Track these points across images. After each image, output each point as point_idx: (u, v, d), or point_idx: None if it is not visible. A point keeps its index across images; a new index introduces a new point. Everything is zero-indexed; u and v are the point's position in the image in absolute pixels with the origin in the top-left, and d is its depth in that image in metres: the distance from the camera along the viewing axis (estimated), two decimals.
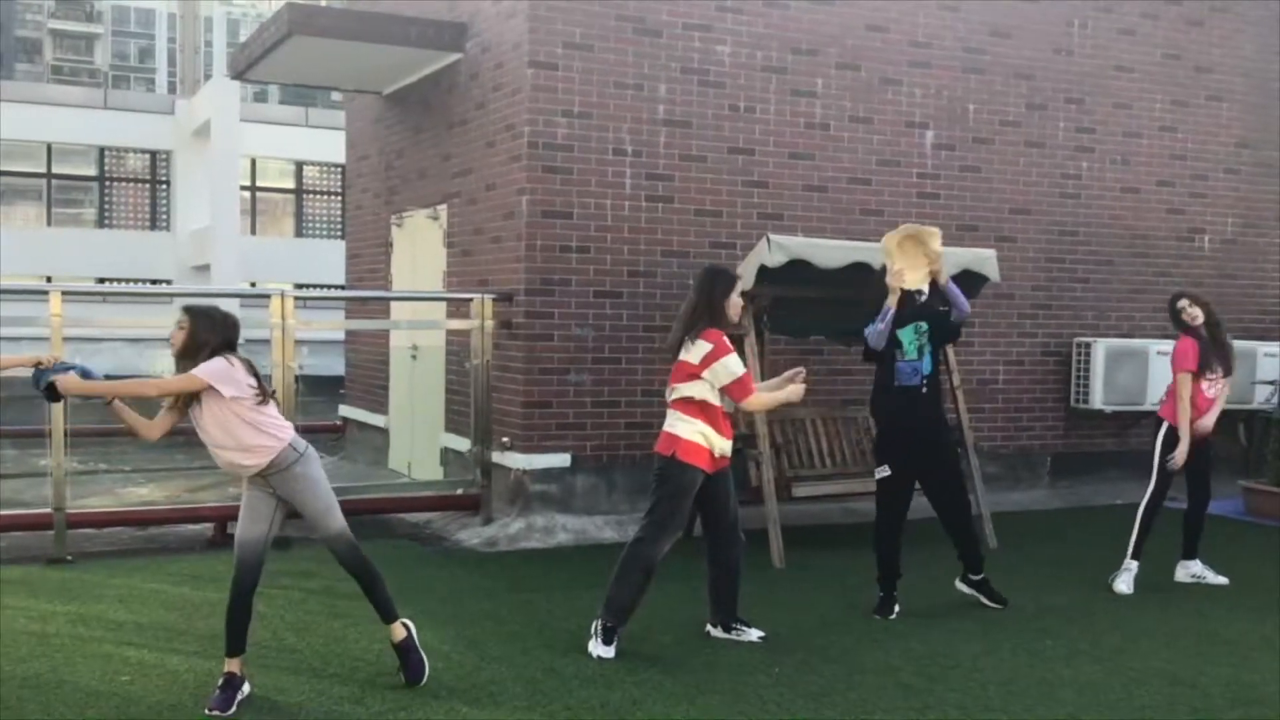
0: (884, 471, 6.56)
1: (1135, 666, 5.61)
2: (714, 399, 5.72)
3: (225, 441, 4.82)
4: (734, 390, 5.70)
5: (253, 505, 4.96)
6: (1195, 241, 11.42)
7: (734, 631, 5.94)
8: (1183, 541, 7.42)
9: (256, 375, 4.86)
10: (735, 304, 5.84)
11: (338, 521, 5.02)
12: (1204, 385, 7.14)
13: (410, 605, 6.40)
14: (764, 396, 5.96)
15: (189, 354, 4.81)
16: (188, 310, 4.89)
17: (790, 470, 8.60)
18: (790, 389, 5.86)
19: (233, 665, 4.91)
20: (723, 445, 5.77)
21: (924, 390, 6.49)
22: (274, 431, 4.87)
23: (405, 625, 5.20)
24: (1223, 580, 7.35)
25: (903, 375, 6.48)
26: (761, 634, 5.93)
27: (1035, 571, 7.64)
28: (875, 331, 6.44)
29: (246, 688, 4.90)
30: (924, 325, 6.51)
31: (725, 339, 5.73)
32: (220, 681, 4.88)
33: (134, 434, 4.96)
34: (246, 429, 4.80)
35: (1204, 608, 6.79)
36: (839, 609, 6.62)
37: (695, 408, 5.70)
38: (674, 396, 5.77)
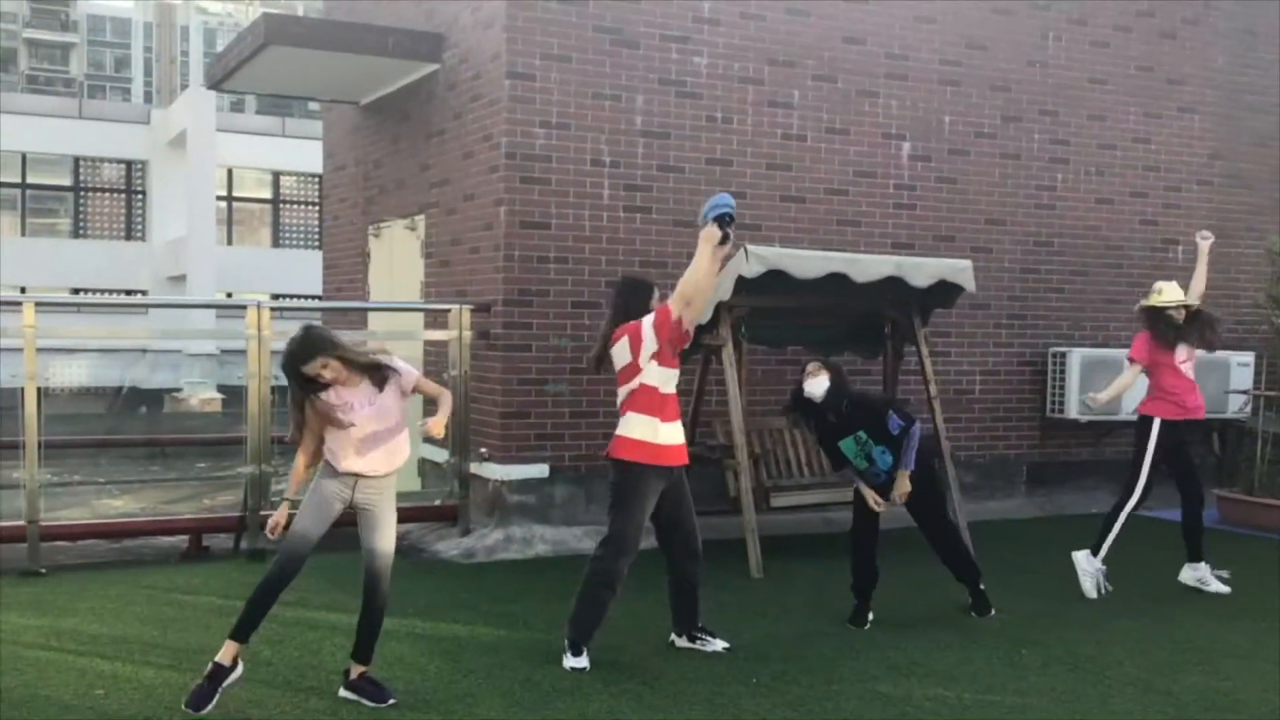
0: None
1: (1110, 674, 5.64)
2: (655, 381, 5.56)
3: (386, 439, 4.97)
4: (668, 329, 5.47)
5: (323, 505, 5.00)
6: (1169, 252, 11.51)
7: (698, 641, 5.94)
8: (1186, 546, 7.46)
9: None
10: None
11: (391, 542, 5.12)
12: (1180, 364, 7.23)
13: (388, 617, 6.35)
14: (698, 265, 5.40)
15: (357, 376, 4.91)
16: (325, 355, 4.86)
17: (769, 480, 8.62)
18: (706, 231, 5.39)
19: (229, 652, 4.87)
20: (668, 432, 5.58)
21: (887, 479, 6.47)
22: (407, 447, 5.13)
23: (369, 673, 5.15)
24: (1224, 589, 7.37)
25: (869, 478, 6.49)
26: (726, 644, 5.92)
27: (1011, 580, 7.67)
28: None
29: (239, 671, 4.90)
30: (861, 434, 6.40)
31: (635, 322, 5.59)
32: (207, 670, 4.84)
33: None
34: (405, 431, 5.06)
35: (1178, 615, 6.84)
36: (817, 618, 6.63)
37: (639, 401, 5.58)
38: (620, 399, 5.69)
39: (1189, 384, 7.28)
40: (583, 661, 5.56)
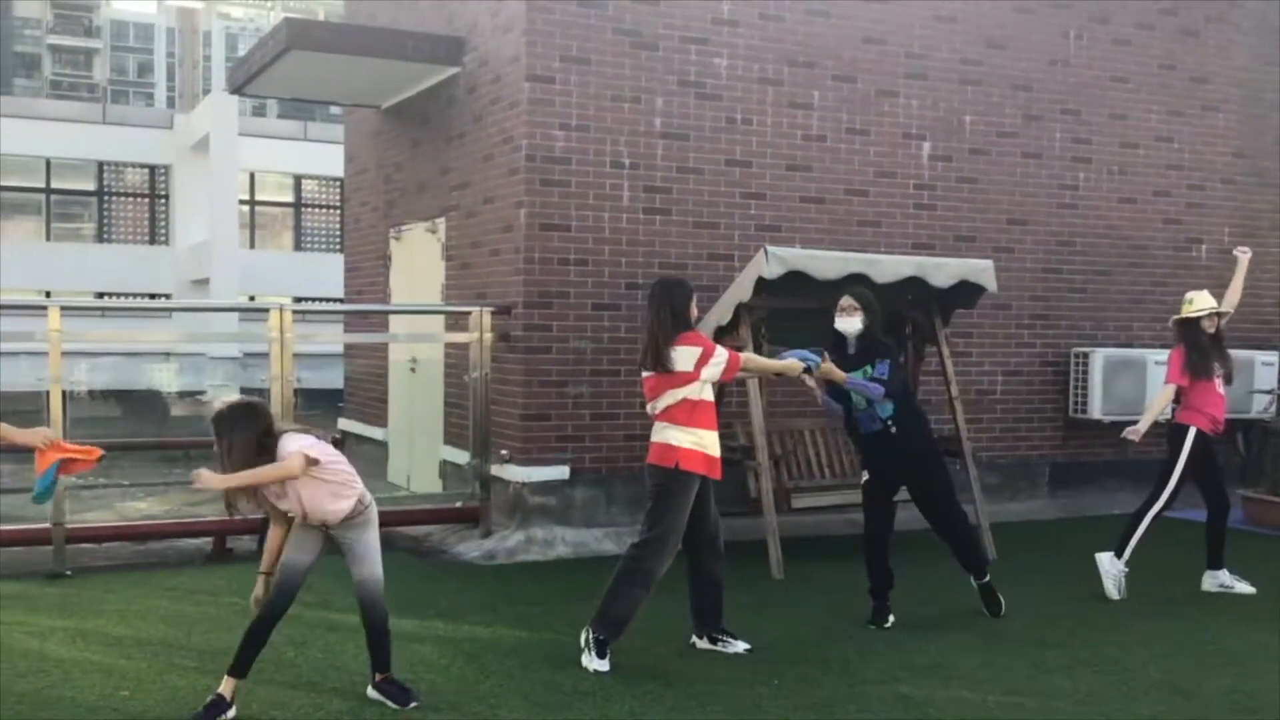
0: (864, 475, 6.68)
1: (1135, 677, 5.60)
2: (707, 395, 5.73)
3: (321, 506, 4.87)
4: (729, 373, 5.80)
5: (301, 536, 4.99)
6: (1192, 251, 11.44)
7: (720, 643, 5.93)
8: (1207, 552, 7.44)
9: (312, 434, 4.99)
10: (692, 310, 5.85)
11: (378, 569, 5.07)
12: (1216, 384, 7.24)
13: (409, 618, 6.40)
14: (755, 359, 6.24)
15: (254, 458, 4.74)
16: (221, 425, 4.77)
17: (789, 481, 8.60)
18: (784, 364, 6.07)
19: (228, 687, 4.87)
20: (714, 444, 5.75)
21: (892, 430, 6.46)
22: (354, 489, 4.96)
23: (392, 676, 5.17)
24: (1250, 589, 7.36)
25: (864, 423, 6.53)
26: (748, 646, 5.92)
27: (1035, 582, 7.63)
28: (827, 408, 6.67)
29: (232, 713, 4.85)
30: (868, 368, 6.42)
31: (703, 335, 5.84)
32: (209, 700, 4.85)
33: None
34: (337, 488, 4.89)
35: (1203, 617, 6.79)
36: (839, 620, 6.61)
37: (687, 411, 5.66)
38: (665, 404, 5.70)
39: (1221, 400, 7.28)
40: (605, 665, 5.55)
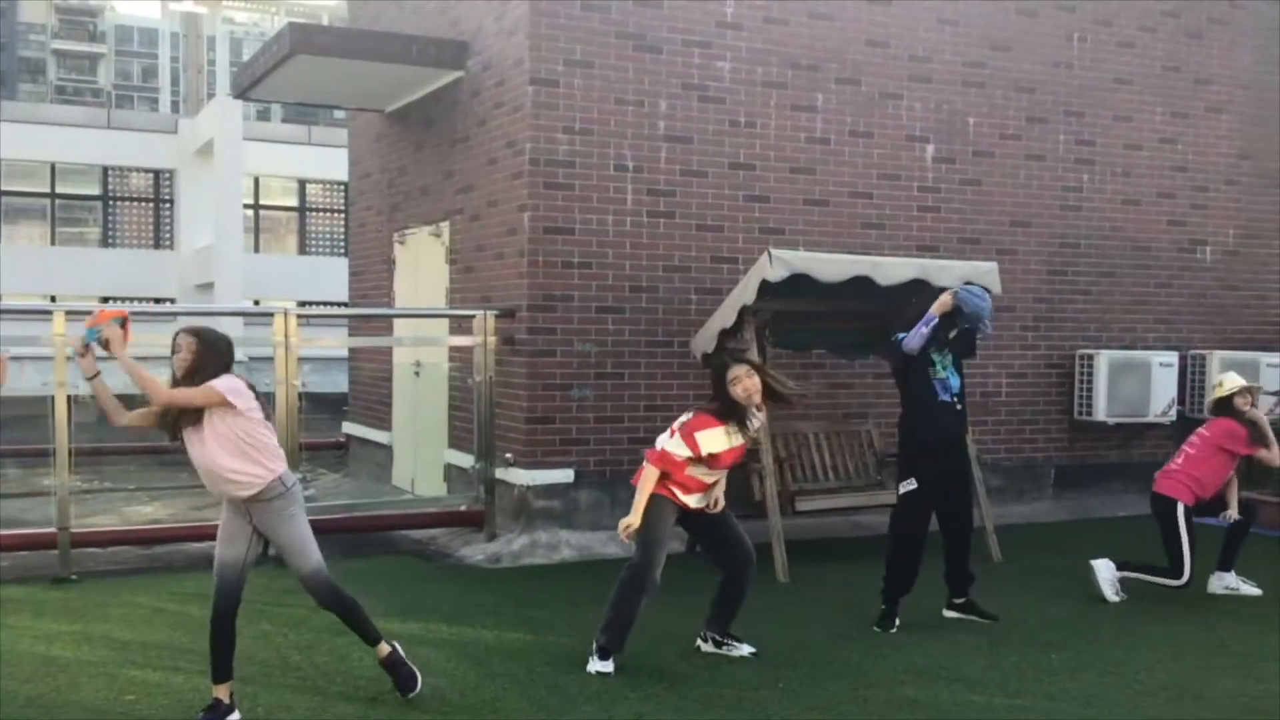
0: (910, 485, 6.51)
1: (1141, 679, 5.59)
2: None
3: (221, 461, 4.76)
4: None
5: (229, 527, 4.93)
6: (1197, 253, 11.43)
7: (725, 647, 5.94)
8: (1221, 554, 7.47)
9: (259, 396, 4.89)
10: (743, 384, 5.69)
11: (311, 560, 4.95)
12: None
13: (414, 622, 6.42)
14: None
15: (192, 375, 4.81)
16: (192, 332, 4.89)
17: (794, 484, 8.60)
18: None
19: (220, 692, 4.86)
20: (687, 499, 5.73)
21: (958, 407, 6.56)
22: (268, 460, 4.84)
23: (390, 643, 5.18)
24: (1256, 591, 7.40)
25: (940, 390, 6.52)
26: (753, 650, 5.91)
27: (1040, 584, 7.63)
28: (918, 334, 6.37)
29: (235, 716, 4.85)
30: (949, 355, 6.60)
31: (697, 428, 5.68)
32: (207, 704, 4.85)
33: (105, 414, 4.92)
34: (247, 449, 4.78)
35: (1209, 619, 6.78)
36: (844, 623, 6.61)
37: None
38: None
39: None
40: (609, 667, 5.56)
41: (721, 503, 5.89)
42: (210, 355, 4.84)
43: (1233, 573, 7.45)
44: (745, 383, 5.65)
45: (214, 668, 4.86)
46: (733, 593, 5.94)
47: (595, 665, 5.58)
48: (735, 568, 5.90)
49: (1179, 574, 7.13)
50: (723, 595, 5.95)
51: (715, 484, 5.83)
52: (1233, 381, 7.46)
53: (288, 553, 4.95)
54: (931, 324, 6.37)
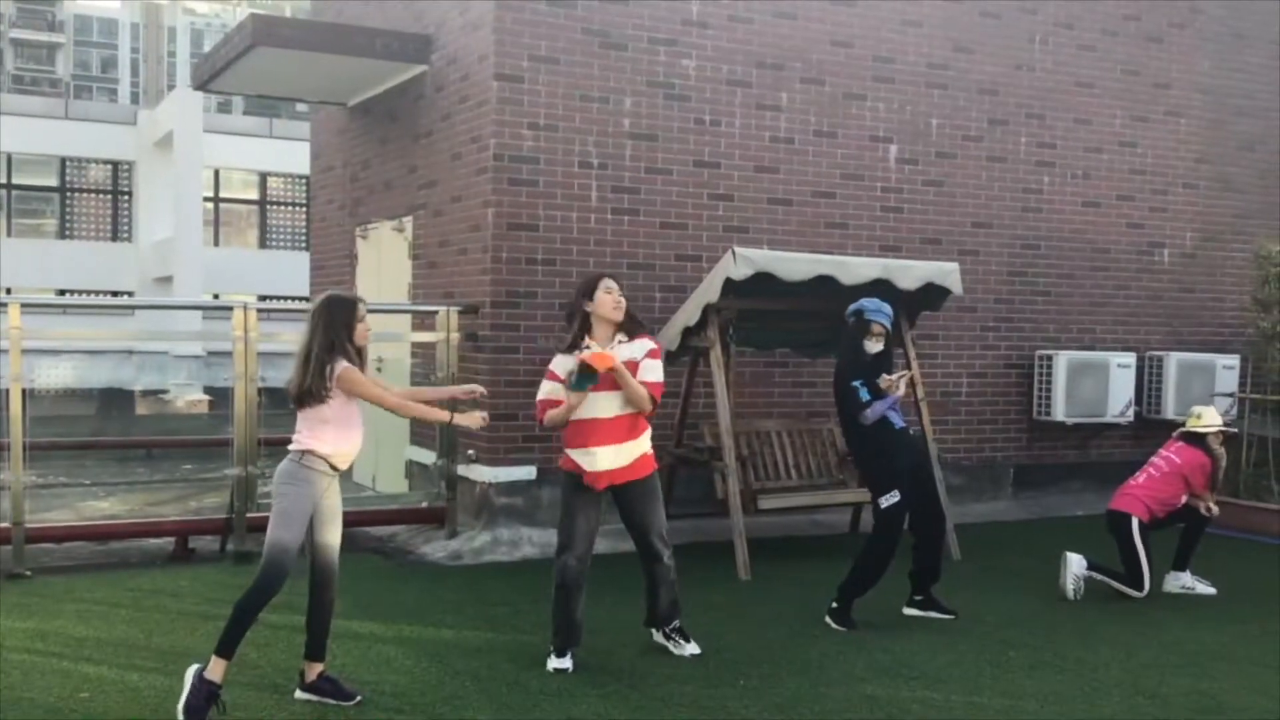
0: (894, 498, 6.47)
1: (1098, 677, 5.65)
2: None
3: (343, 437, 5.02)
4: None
5: (331, 510, 5.05)
6: (1155, 255, 11.56)
7: (671, 641, 5.93)
8: (1176, 554, 7.55)
9: None
10: (602, 300, 5.82)
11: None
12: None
13: (374, 619, 6.38)
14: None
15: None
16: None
17: (756, 482, 8.61)
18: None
19: (218, 670, 4.78)
20: (585, 458, 5.65)
21: (910, 431, 6.73)
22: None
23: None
24: (1210, 590, 7.48)
25: (896, 420, 6.58)
26: (696, 650, 5.87)
27: (999, 583, 7.69)
28: (876, 412, 6.47)
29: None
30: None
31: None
32: (205, 691, 4.74)
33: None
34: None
35: (1164, 618, 6.86)
36: (805, 621, 6.62)
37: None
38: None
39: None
40: (566, 663, 5.58)
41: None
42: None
43: (1188, 572, 7.55)
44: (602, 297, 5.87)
45: (230, 641, 4.86)
46: (651, 589, 5.93)
47: (552, 663, 5.59)
48: (645, 560, 5.88)
49: (1139, 587, 7.24)
50: (647, 591, 5.95)
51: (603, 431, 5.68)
52: (1212, 419, 7.54)
53: (336, 522, 5.10)
54: (889, 402, 6.50)
